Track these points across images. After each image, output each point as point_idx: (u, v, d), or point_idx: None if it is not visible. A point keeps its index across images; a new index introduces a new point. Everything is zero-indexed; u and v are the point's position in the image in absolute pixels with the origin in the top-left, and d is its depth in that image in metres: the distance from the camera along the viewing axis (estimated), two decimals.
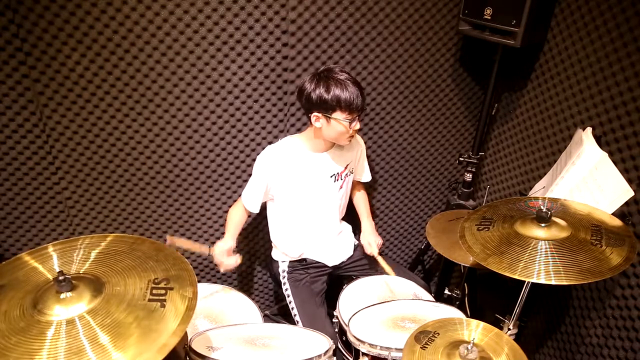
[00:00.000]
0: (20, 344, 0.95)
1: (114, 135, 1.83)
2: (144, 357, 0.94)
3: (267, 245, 2.17)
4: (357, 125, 1.68)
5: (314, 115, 1.67)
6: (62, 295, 1.03)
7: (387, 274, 1.92)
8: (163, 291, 1.10)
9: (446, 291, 2.11)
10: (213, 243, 1.90)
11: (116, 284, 1.11)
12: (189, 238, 2.15)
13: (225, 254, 1.83)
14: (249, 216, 2.15)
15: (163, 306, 1.05)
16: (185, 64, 1.75)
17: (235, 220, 1.90)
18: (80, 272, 1.14)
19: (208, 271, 2.27)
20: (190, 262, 2.21)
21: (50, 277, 1.12)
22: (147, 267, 1.17)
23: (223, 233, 2.15)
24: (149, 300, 1.07)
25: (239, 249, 2.24)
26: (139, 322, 1.01)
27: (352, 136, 1.73)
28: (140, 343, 0.97)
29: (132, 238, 1.28)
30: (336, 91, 1.60)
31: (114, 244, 1.25)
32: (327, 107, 1.63)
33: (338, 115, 1.63)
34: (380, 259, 1.94)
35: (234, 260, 1.84)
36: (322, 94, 1.61)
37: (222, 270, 1.87)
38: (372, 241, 1.97)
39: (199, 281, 2.27)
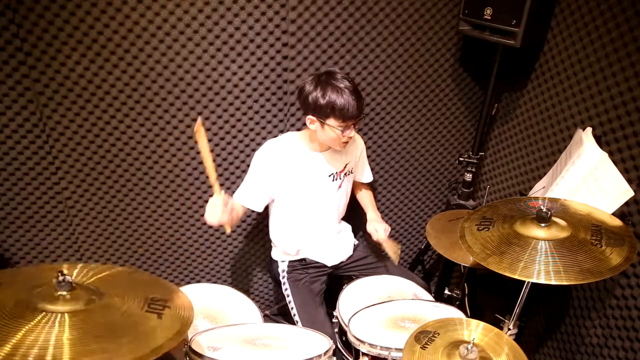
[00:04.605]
0: (11, 333, 0.95)
1: (114, 136, 1.83)
2: (136, 357, 0.95)
3: (267, 245, 2.17)
4: (351, 132, 1.67)
5: (309, 117, 1.67)
6: (58, 293, 1.04)
7: (391, 259, 1.88)
8: (160, 307, 1.11)
9: (446, 291, 2.10)
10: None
11: (115, 295, 1.12)
12: (190, 237, 2.15)
13: (226, 206, 1.60)
14: (248, 216, 2.16)
15: (160, 317, 1.06)
16: (185, 64, 1.75)
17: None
18: (83, 283, 1.16)
19: (208, 271, 2.28)
20: (191, 262, 2.22)
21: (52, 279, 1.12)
22: (147, 289, 1.19)
23: (223, 233, 2.16)
24: (146, 311, 1.08)
25: (238, 248, 2.25)
26: (134, 328, 1.02)
27: (346, 142, 1.72)
28: (134, 343, 0.97)
29: (133, 269, 1.30)
30: (332, 98, 1.59)
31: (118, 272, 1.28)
32: (321, 112, 1.63)
33: (332, 122, 1.63)
34: (386, 245, 1.89)
35: (227, 216, 1.61)
36: (317, 98, 1.61)
37: (208, 219, 1.62)
38: (378, 227, 1.92)
39: (198, 281, 2.28)
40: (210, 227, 2.15)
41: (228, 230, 1.66)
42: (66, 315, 1.01)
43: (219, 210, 1.58)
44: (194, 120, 1.87)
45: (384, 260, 2.06)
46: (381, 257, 2.05)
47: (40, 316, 0.99)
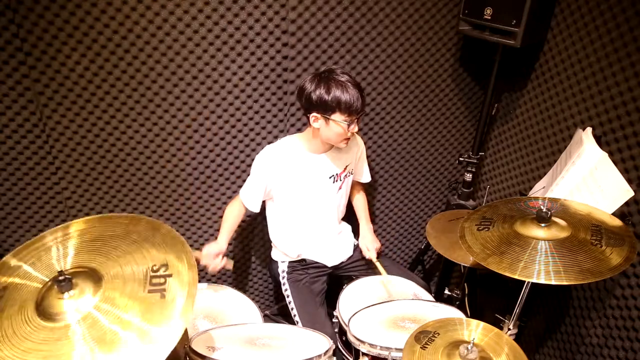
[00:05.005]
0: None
1: (114, 135, 1.83)
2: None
3: (267, 245, 2.18)
4: (355, 127, 1.68)
5: (313, 115, 1.67)
6: (66, 295, 1.02)
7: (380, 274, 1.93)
8: (162, 280, 1.09)
9: (446, 291, 2.10)
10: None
11: (114, 274, 1.10)
12: (190, 238, 2.16)
13: (213, 257, 1.79)
14: (248, 216, 2.16)
15: (163, 297, 1.05)
16: (185, 64, 1.75)
17: (231, 219, 1.86)
18: (78, 265, 1.12)
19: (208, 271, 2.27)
20: None
21: (38, 285, 1.09)
22: (144, 251, 1.15)
23: None
24: (149, 292, 1.06)
25: (238, 249, 2.25)
26: (142, 313, 1.02)
27: (348, 139, 1.73)
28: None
29: (127, 218, 1.23)
30: (336, 93, 1.60)
31: (109, 227, 1.22)
32: (326, 108, 1.63)
33: (337, 117, 1.63)
34: (378, 264, 1.93)
35: (221, 261, 1.81)
36: (322, 94, 1.61)
37: (209, 271, 1.83)
38: (370, 246, 1.97)
39: (198, 281, 2.28)
40: (210, 227, 2.15)
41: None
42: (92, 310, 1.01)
43: (214, 263, 1.81)
44: (194, 120, 1.87)
45: (384, 260, 2.06)
46: (381, 257, 2.05)
47: (64, 326, 0.99)
